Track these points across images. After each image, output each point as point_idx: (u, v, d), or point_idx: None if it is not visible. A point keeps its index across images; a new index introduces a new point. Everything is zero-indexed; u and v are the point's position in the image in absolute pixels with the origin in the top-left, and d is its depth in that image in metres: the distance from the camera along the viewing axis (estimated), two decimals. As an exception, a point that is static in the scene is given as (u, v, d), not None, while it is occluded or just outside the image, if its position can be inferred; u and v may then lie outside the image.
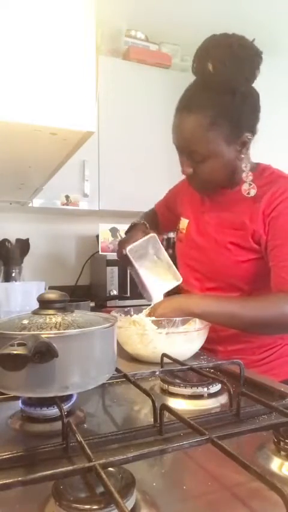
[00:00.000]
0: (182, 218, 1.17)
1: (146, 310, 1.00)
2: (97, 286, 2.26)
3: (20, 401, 0.58)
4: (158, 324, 0.91)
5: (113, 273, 2.11)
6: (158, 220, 1.34)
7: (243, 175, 0.97)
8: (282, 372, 1.02)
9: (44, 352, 0.47)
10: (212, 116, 0.90)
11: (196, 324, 0.93)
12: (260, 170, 1.01)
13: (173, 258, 1.16)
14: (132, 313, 1.03)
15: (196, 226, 1.11)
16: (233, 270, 0.98)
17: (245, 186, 0.97)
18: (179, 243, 1.17)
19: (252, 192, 0.96)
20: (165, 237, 2.34)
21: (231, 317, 0.92)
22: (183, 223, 1.16)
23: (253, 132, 0.95)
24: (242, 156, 0.96)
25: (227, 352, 1.07)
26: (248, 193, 0.96)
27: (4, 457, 0.46)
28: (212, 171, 0.95)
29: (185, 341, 0.90)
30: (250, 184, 0.96)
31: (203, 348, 0.95)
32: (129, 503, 0.36)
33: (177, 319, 0.92)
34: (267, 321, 0.89)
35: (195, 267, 1.09)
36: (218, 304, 0.94)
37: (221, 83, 0.90)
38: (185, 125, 0.93)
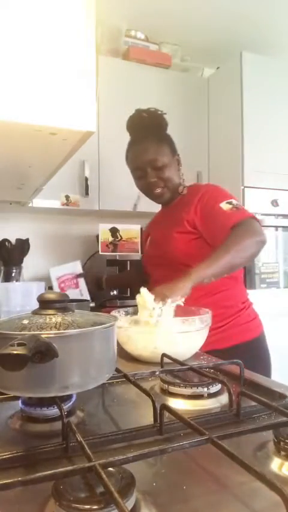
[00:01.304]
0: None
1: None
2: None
3: (20, 401, 0.58)
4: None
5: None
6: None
7: (181, 181, 1.39)
8: (233, 340, 1.26)
9: (44, 352, 0.47)
10: (158, 140, 1.35)
11: (196, 323, 0.93)
12: (193, 184, 1.46)
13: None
14: (131, 312, 1.03)
15: (153, 235, 1.48)
16: (178, 252, 1.30)
17: (180, 188, 1.39)
18: (145, 253, 1.56)
19: (185, 191, 1.38)
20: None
21: (225, 267, 1.10)
22: (148, 239, 1.53)
23: (179, 155, 1.40)
24: (180, 167, 1.40)
25: None
26: (182, 192, 1.38)
27: (4, 457, 0.46)
28: (170, 173, 1.35)
29: (185, 341, 0.91)
30: (184, 187, 1.39)
31: None
32: (129, 503, 0.36)
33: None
34: (249, 254, 1.15)
35: (153, 261, 1.45)
36: (212, 262, 1.09)
37: (153, 124, 1.36)
38: (145, 147, 1.34)
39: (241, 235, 1.14)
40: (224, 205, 1.23)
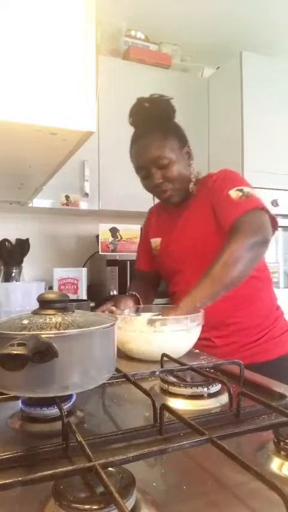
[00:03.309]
0: (151, 240, 1.37)
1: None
2: (97, 286, 2.26)
3: (20, 401, 0.58)
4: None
5: (113, 273, 2.12)
6: (150, 274, 1.42)
7: (191, 177, 1.23)
8: (275, 352, 1.18)
9: (44, 352, 0.47)
10: (162, 133, 1.18)
11: (188, 321, 0.93)
12: (206, 175, 1.28)
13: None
14: (127, 312, 1.05)
15: (171, 238, 1.28)
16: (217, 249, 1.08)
17: (190, 185, 1.22)
18: (157, 259, 1.35)
19: (195, 189, 1.23)
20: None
21: (218, 287, 1.02)
22: (155, 242, 1.35)
23: (190, 146, 1.25)
24: (191, 162, 1.24)
25: (222, 337, 1.17)
26: (192, 190, 1.22)
27: (4, 457, 0.46)
28: (178, 171, 1.19)
29: (181, 338, 0.91)
30: (194, 184, 1.23)
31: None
32: (129, 503, 0.36)
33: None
34: (243, 265, 1.02)
35: (177, 268, 1.26)
36: (203, 288, 1.02)
37: (158, 114, 1.20)
38: (147, 143, 1.18)
39: (233, 246, 1.02)
40: (233, 193, 1.11)
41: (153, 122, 1.19)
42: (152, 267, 1.40)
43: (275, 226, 1.12)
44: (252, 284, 1.16)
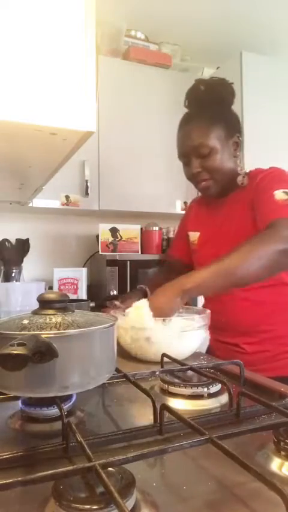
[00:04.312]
0: (189, 233, 1.31)
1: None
2: (97, 286, 2.26)
3: (20, 401, 0.58)
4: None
5: (113, 273, 2.12)
6: (183, 263, 1.36)
7: (238, 169, 1.16)
8: None
9: (44, 352, 0.47)
10: (209, 120, 1.11)
11: (195, 322, 0.93)
12: (254, 170, 1.20)
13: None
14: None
15: (210, 233, 1.22)
16: None
17: (239, 178, 1.14)
18: (195, 255, 1.29)
19: (245, 181, 1.14)
20: (164, 236, 2.35)
21: (225, 275, 0.91)
22: (194, 236, 1.29)
23: (240, 136, 1.17)
24: (238, 153, 1.16)
25: (253, 344, 1.11)
26: (242, 183, 1.14)
27: (4, 457, 0.46)
28: (220, 161, 1.11)
29: (185, 340, 0.91)
30: (244, 176, 1.15)
31: (225, 343, 0.95)
32: (129, 503, 0.36)
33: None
34: (263, 264, 0.91)
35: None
36: (207, 270, 0.92)
37: (210, 98, 1.13)
38: (190, 130, 1.12)
39: (263, 240, 0.93)
40: (279, 194, 1.02)
41: (204, 106, 1.13)
42: (181, 254, 1.35)
43: None
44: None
